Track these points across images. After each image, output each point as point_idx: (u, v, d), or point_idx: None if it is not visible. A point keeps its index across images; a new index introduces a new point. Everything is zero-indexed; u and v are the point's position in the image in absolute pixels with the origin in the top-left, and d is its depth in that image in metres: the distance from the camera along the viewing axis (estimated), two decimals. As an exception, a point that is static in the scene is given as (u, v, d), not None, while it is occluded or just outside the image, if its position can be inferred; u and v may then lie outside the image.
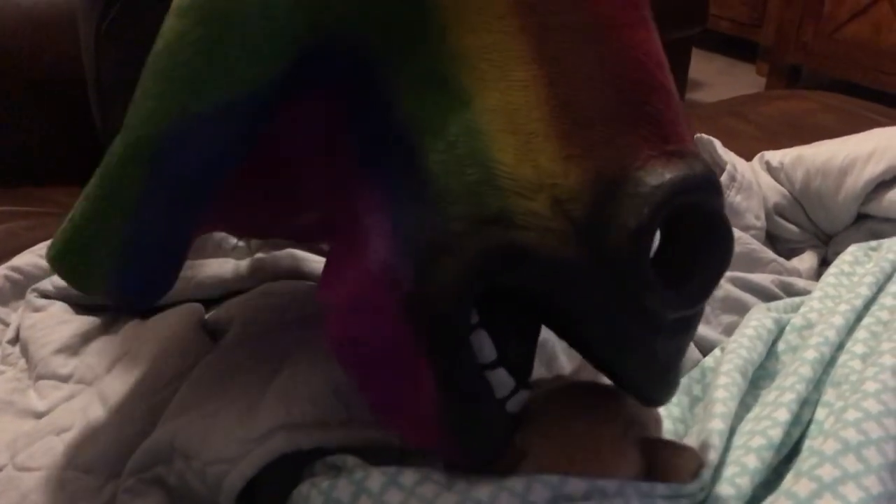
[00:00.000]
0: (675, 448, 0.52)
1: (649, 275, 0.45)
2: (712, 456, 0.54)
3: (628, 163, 0.44)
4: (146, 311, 0.81)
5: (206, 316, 0.80)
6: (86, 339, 0.79)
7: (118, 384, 0.69)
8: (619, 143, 0.44)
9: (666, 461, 0.52)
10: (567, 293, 0.45)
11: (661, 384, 0.51)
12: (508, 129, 0.45)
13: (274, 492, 0.57)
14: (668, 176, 0.43)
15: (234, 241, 0.88)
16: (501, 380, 0.49)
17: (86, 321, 0.80)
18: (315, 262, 0.81)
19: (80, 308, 0.82)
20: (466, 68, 0.46)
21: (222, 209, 0.57)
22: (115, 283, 0.55)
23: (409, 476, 0.51)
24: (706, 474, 0.52)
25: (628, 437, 0.51)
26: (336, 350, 0.51)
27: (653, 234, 0.44)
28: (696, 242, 0.47)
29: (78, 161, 1.17)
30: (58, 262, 0.55)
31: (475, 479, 0.50)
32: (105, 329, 0.81)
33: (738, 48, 3.23)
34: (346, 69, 0.49)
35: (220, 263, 0.85)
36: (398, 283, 0.46)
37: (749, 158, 1.01)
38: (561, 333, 0.57)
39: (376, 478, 0.51)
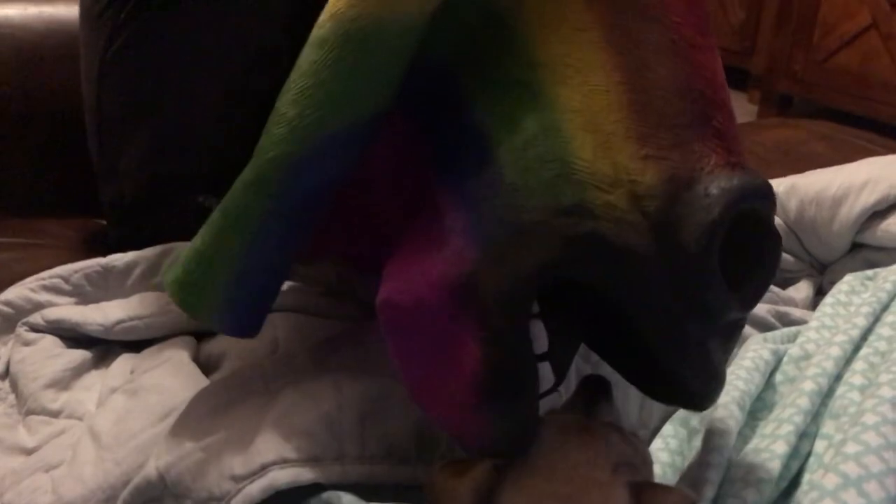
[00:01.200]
0: (663, 490, 0.51)
1: (716, 272, 0.47)
2: (708, 491, 0.53)
3: (700, 167, 0.48)
4: (138, 344, 0.80)
5: (199, 349, 0.79)
6: (77, 373, 0.78)
7: (109, 419, 0.68)
8: (691, 149, 0.48)
9: (653, 502, 0.51)
10: (637, 286, 0.47)
11: (712, 385, 0.53)
12: (588, 129, 0.48)
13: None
14: (736, 181, 0.47)
15: None
16: (545, 374, 0.51)
17: (77, 355, 0.79)
18: (310, 294, 0.81)
19: (70, 342, 0.81)
20: (548, 74, 0.50)
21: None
22: (226, 311, 0.58)
23: None
24: None
25: (618, 479, 0.50)
26: (383, 313, 0.52)
27: (722, 233, 0.47)
28: (751, 249, 0.51)
29: (70, 193, 1.17)
30: (175, 287, 0.58)
31: None
32: (96, 363, 0.80)
33: (729, 76, 3.22)
34: (428, 82, 0.53)
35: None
36: (462, 261, 0.48)
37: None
38: (599, 344, 0.59)
39: None
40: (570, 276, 0.48)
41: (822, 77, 2.86)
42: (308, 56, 0.51)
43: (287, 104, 0.52)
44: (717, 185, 0.47)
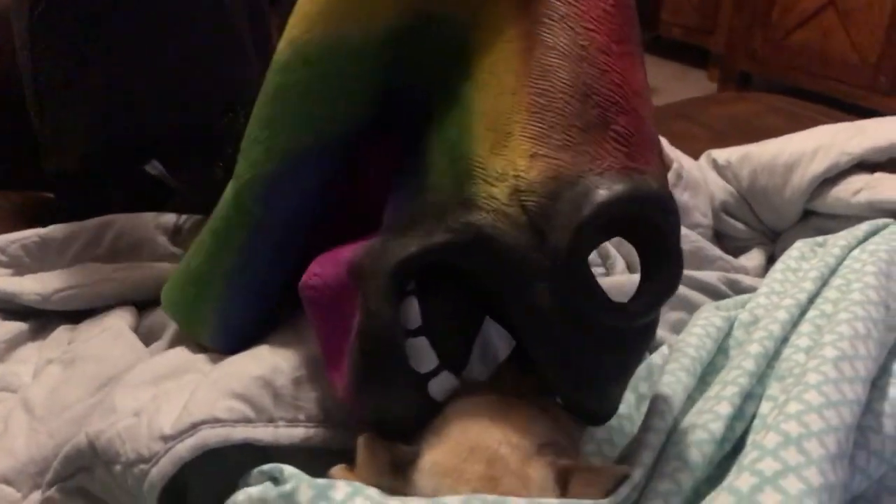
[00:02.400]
0: (591, 472, 0.50)
1: (587, 273, 0.47)
2: (647, 456, 0.53)
3: (588, 168, 0.47)
4: (77, 317, 0.78)
5: (140, 320, 0.77)
6: (12, 345, 0.76)
7: (44, 391, 0.66)
8: (583, 151, 0.48)
9: (579, 486, 0.49)
10: (510, 279, 0.48)
11: (601, 402, 0.51)
12: (491, 128, 0.50)
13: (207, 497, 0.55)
14: (619, 185, 0.46)
15: (171, 247, 0.86)
16: (422, 350, 0.51)
17: (12, 327, 0.77)
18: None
19: (5, 314, 0.79)
20: (475, 83, 0.52)
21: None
22: (222, 329, 0.63)
23: (340, 490, 0.48)
24: (624, 491, 0.50)
25: (540, 460, 0.49)
26: (301, 292, 0.56)
27: (592, 234, 0.47)
28: (646, 261, 0.50)
29: (13, 166, 1.13)
30: (174, 308, 0.65)
31: (409, 500, 0.49)
32: (33, 335, 0.78)
33: (689, 54, 3.26)
34: (410, 105, 0.56)
35: (157, 266, 0.82)
36: (367, 247, 0.52)
37: (698, 160, 1.00)
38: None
39: (305, 492, 0.49)
40: (452, 261, 0.50)
41: (780, 55, 2.88)
42: (272, 80, 0.56)
43: (259, 127, 0.57)
44: (601, 185, 0.47)
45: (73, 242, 0.84)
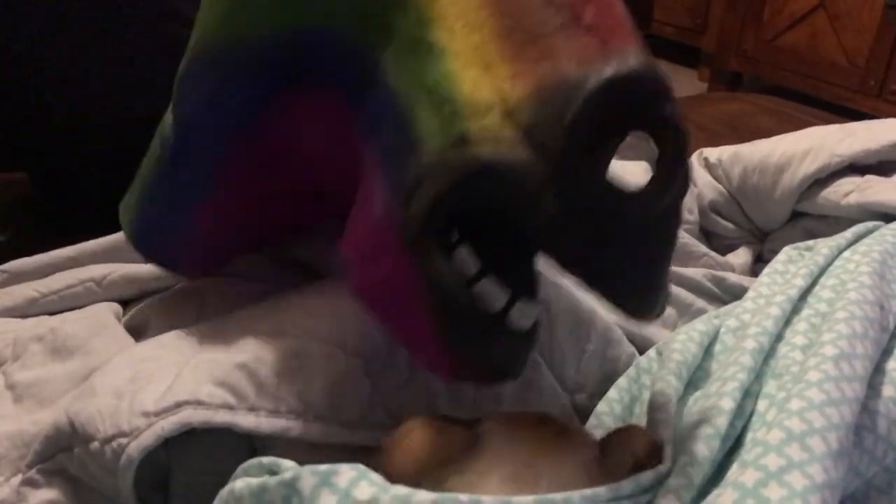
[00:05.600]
0: (622, 433, 0.51)
1: (588, 169, 0.45)
2: (665, 432, 0.54)
3: (568, 68, 0.46)
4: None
5: (123, 317, 0.76)
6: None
7: (28, 378, 0.66)
8: (559, 54, 0.46)
9: (614, 444, 0.51)
10: (522, 202, 0.46)
11: (639, 298, 0.50)
12: (470, 65, 0.49)
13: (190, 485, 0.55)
14: (600, 72, 0.44)
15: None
16: (491, 290, 0.50)
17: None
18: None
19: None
20: (438, 26, 0.51)
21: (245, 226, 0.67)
22: (137, 241, 0.69)
23: (343, 476, 0.47)
24: (649, 476, 0.50)
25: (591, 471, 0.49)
26: (359, 301, 0.55)
27: (586, 127, 0.44)
28: (653, 143, 0.47)
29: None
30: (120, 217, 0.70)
31: (414, 490, 0.47)
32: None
33: (680, 54, 3.27)
34: (338, 59, 0.55)
35: (136, 265, 0.81)
36: (392, 221, 0.50)
37: (690, 158, 1.01)
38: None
39: (307, 479, 0.47)
40: (468, 204, 0.49)
41: (770, 55, 2.90)
42: None
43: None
44: (584, 78, 0.45)
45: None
